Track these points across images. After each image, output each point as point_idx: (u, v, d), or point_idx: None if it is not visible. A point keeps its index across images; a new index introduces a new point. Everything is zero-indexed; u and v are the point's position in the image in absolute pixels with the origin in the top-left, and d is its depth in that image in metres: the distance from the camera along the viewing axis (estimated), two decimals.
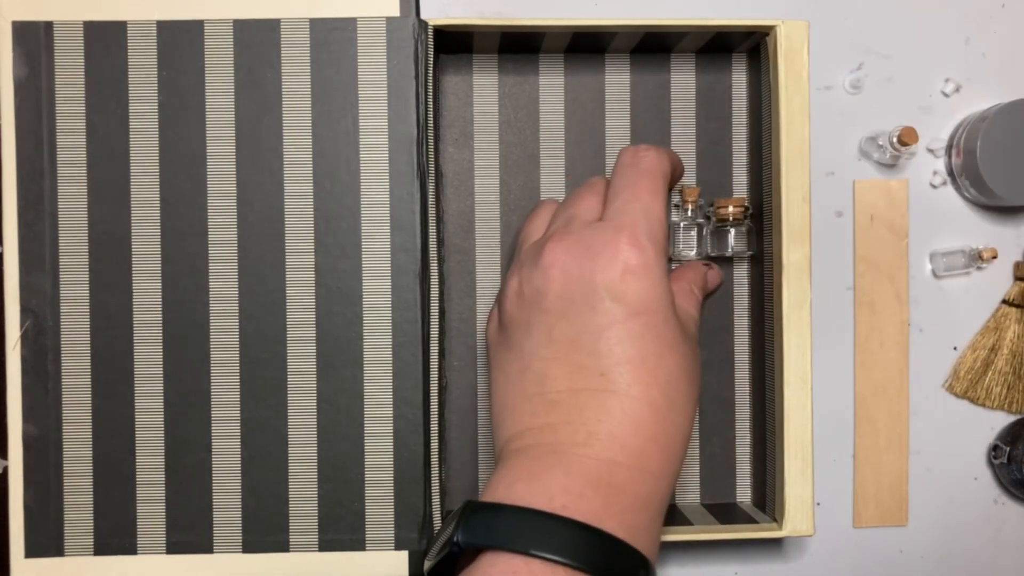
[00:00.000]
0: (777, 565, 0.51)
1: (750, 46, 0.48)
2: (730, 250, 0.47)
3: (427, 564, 0.37)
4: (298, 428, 0.44)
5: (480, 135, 0.49)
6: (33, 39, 0.44)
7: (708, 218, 0.48)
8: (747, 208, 0.47)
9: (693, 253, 0.48)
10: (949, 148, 0.51)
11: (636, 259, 0.38)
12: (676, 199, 0.48)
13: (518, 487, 0.36)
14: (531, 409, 0.38)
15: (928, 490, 0.51)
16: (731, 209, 0.47)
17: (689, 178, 0.49)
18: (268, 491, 0.44)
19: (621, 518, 0.35)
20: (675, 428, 0.38)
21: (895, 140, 0.48)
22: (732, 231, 0.47)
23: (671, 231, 0.48)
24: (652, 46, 0.47)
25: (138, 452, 0.44)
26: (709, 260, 0.49)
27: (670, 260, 0.48)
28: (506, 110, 0.49)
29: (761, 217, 0.47)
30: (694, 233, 0.48)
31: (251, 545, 0.44)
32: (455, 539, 0.34)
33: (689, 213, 0.47)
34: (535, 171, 0.49)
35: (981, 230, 0.51)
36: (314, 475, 0.44)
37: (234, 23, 0.44)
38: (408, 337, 0.44)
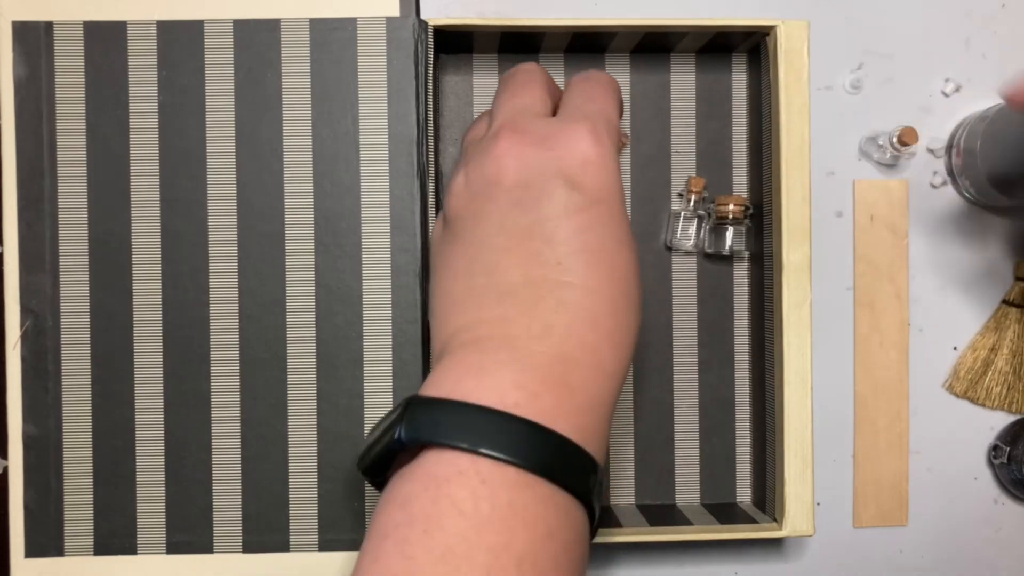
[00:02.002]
0: (777, 565, 0.51)
1: (750, 46, 0.48)
2: (727, 248, 0.47)
3: (362, 462, 0.35)
4: (298, 428, 0.44)
5: None
6: (33, 39, 0.44)
7: (709, 213, 0.48)
8: (747, 207, 0.47)
9: (691, 243, 0.48)
10: (949, 148, 0.51)
11: (594, 150, 0.36)
12: (681, 188, 0.48)
13: (467, 382, 0.33)
14: (479, 302, 0.36)
15: (928, 490, 0.51)
16: (731, 207, 0.47)
17: (689, 167, 0.49)
18: (268, 491, 0.44)
19: (575, 419, 0.33)
20: (628, 327, 0.36)
21: (895, 140, 0.48)
22: (731, 229, 0.47)
23: (671, 219, 0.48)
24: (652, 46, 0.47)
25: (138, 452, 0.44)
26: (707, 257, 0.49)
27: (668, 248, 0.49)
28: None
29: (761, 217, 0.47)
30: (693, 225, 0.48)
31: (251, 545, 0.44)
32: (397, 435, 0.32)
33: (691, 204, 0.48)
34: None
35: (981, 230, 0.51)
36: (314, 475, 0.44)
37: (234, 23, 0.44)
38: (408, 337, 0.44)
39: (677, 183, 0.49)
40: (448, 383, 0.34)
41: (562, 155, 0.36)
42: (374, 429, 0.35)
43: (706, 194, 0.48)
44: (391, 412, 0.34)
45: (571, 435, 0.33)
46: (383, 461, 0.34)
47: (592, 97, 0.39)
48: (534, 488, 0.32)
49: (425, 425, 0.32)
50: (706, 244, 0.48)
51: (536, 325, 0.35)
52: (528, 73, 0.41)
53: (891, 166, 0.51)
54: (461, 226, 0.38)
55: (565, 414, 0.33)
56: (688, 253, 0.49)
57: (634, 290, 0.37)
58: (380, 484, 0.34)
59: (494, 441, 0.31)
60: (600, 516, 0.36)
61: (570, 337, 0.34)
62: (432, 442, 0.32)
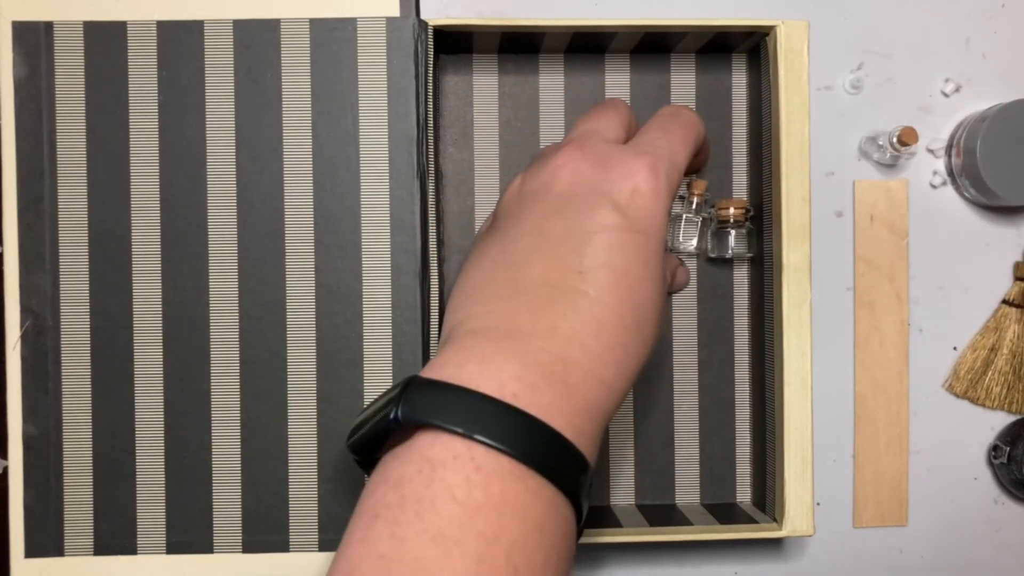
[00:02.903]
0: (777, 565, 0.51)
1: (750, 46, 0.48)
2: (730, 251, 0.47)
3: (351, 438, 0.35)
4: (298, 428, 0.44)
5: (480, 135, 0.49)
6: (33, 39, 0.44)
7: (711, 217, 0.48)
8: (748, 210, 0.47)
9: (693, 246, 0.48)
10: (949, 148, 0.51)
11: (648, 184, 0.37)
12: (683, 191, 0.48)
13: (469, 367, 0.33)
14: (496, 293, 0.37)
15: (928, 490, 0.51)
16: (732, 211, 0.47)
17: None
18: (268, 491, 0.44)
19: (570, 418, 0.34)
20: (634, 348, 0.36)
21: (895, 140, 0.48)
22: (733, 232, 0.47)
23: (673, 222, 0.48)
24: (652, 46, 0.47)
25: (138, 452, 0.44)
26: (709, 260, 0.49)
27: (668, 250, 0.49)
28: (506, 110, 0.49)
29: (761, 217, 0.47)
30: (696, 228, 0.48)
31: (251, 545, 0.44)
32: (393, 414, 0.32)
33: (694, 206, 0.48)
34: None
35: (981, 230, 0.51)
36: (314, 475, 0.44)
37: (234, 23, 0.44)
38: (408, 337, 0.44)
39: None
40: (450, 367, 0.34)
41: (615, 179, 0.37)
42: (368, 407, 0.36)
43: (708, 196, 0.48)
44: (389, 391, 0.34)
45: (566, 432, 0.33)
46: (375, 439, 0.34)
47: (668, 134, 0.40)
48: (526, 480, 0.32)
49: (424, 406, 0.32)
50: (709, 248, 0.48)
51: (542, 324, 0.35)
52: (610, 104, 0.42)
53: (891, 166, 0.51)
54: (504, 222, 0.39)
55: (561, 411, 0.34)
56: (690, 255, 0.49)
57: (647, 319, 0.37)
58: (366, 464, 0.35)
59: (491, 429, 0.32)
60: (588, 517, 0.36)
61: (573, 340, 0.35)
62: (429, 424, 0.32)
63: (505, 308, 0.36)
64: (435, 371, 0.34)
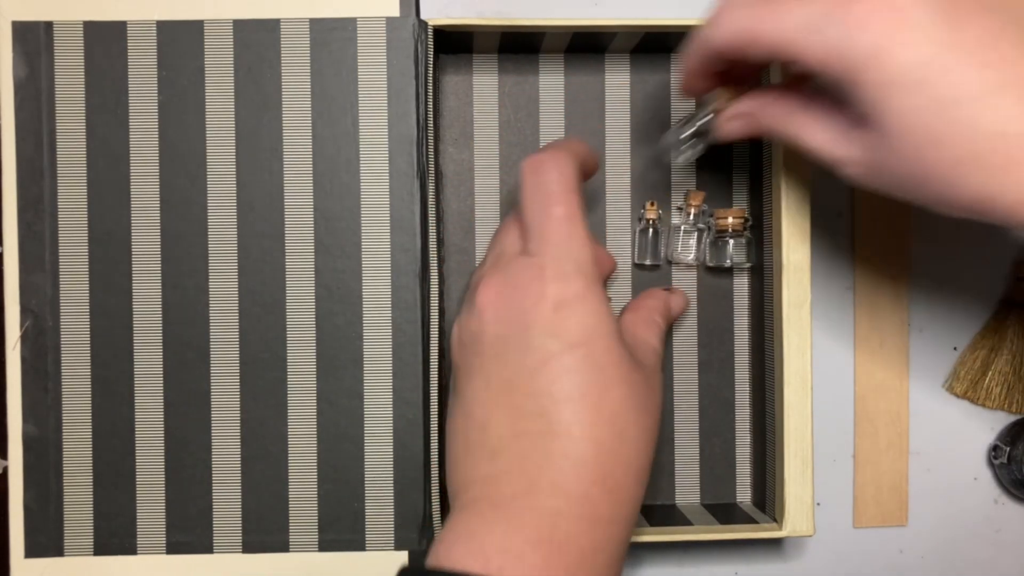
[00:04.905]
0: (777, 565, 0.51)
1: None
2: (729, 260, 0.47)
3: None
4: (298, 428, 0.44)
5: (480, 135, 0.49)
6: (33, 39, 0.44)
7: (709, 227, 0.48)
8: (747, 219, 0.47)
9: (691, 258, 0.48)
10: None
11: (564, 293, 0.37)
12: (680, 202, 0.48)
13: (456, 549, 0.34)
14: (474, 460, 0.37)
15: (928, 490, 0.51)
16: (731, 220, 0.46)
17: (688, 180, 0.49)
18: (268, 491, 0.44)
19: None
20: (625, 466, 0.36)
21: None
22: (731, 242, 0.47)
23: (671, 233, 0.48)
24: (652, 46, 0.47)
25: (138, 452, 0.44)
26: (707, 270, 0.49)
27: (668, 263, 0.48)
28: (506, 110, 0.49)
29: (760, 226, 0.47)
30: (694, 239, 0.48)
31: (251, 545, 0.44)
32: None
33: (691, 218, 0.47)
34: None
35: (981, 230, 0.51)
36: (314, 475, 0.44)
37: (234, 23, 0.44)
38: (408, 337, 0.44)
39: (677, 184, 0.49)
40: (441, 549, 0.35)
41: (533, 304, 0.37)
42: None
43: (705, 207, 0.48)
44: None
45: None
46: None
47: (548, 218, 0.38)
48: None
49: None
50: (707, 258, 0.48)
51: (522, 483, 0.35)
52: (513, 213, 0.41)
53: None
54: (459, 381, 0.40)
55: (551, 572, 0.34)
56: (689, 266, 0.49)
57: (630, 428, 0.36)
58: None
59: None
60: None
61: (556, 491, 0.35)
62: None
63: (486, 474, 0.36)
64: (431, 556, 0.35)
